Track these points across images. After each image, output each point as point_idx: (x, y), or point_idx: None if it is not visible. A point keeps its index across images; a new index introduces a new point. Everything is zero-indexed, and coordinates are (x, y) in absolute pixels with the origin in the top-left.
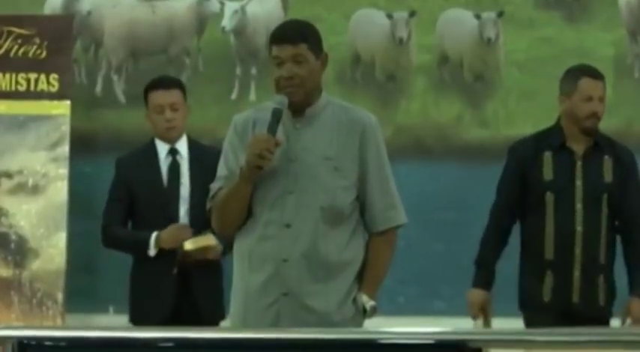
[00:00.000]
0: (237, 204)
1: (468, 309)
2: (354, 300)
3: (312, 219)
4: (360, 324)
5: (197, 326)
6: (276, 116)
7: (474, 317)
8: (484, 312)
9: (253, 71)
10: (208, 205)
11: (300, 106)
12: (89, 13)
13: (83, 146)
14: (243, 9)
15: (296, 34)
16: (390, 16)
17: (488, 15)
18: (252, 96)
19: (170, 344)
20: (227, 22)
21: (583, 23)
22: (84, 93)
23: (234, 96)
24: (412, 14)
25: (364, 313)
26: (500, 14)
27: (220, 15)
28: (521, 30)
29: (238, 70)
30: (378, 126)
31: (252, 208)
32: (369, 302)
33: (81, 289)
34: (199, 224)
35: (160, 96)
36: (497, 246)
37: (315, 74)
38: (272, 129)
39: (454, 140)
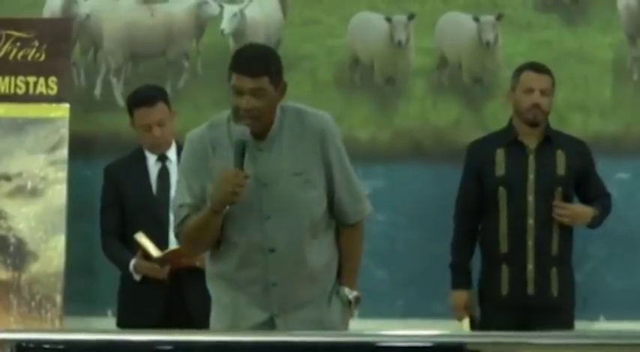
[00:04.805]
0: (209, 234)
1: (452, 312)
2: (337, 294)
3: (295, 239)
4: (347, 317)
5: (195, 330)
6: (241, 148)
7: (460, 319)
8: (468, 311)
9: None
10: (176, 230)
11: (260, 132)
12: (88, 16)
13: (82, 149)
14: (242, 12)
15: (258, 68)
16: (388, 19)
17: (487, 18)
18: None
19: (168, 347)
20: (226, 25)
21: (582, 26)
22: (83, 96)
23: None
24: (411, 17)
25: (349, 305)
26: (499, 17)
27: (219, 18)
28: (519, 33)
29: None
30: (334, 124)
31: (225, 233)
32: (352, 294)
33: (79, 292)
34: None
35: (145, 116)
36: (467, 246)
37: (273, 105)
38: (239, 162)
39: (453, 143)
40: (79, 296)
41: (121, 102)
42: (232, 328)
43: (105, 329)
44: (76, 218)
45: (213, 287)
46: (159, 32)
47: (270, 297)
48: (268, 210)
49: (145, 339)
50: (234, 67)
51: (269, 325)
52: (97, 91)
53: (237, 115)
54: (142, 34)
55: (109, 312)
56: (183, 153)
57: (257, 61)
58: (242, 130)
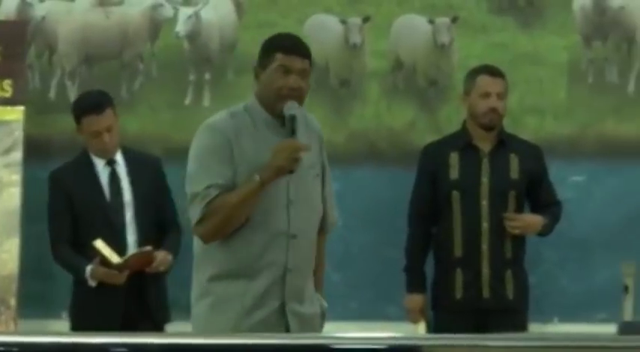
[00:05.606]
0: (247, 211)
1: (408, 315)
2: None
3: (312, 229)
4: (322, 325)
5: (152, 332)
6: (293, 121)
7: (415, 322)
8: (424, 315)
9: (207, 77)
10: (202, 212)
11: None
12: (43, 18)
13: (36, 151)
14: (197, 14)
15: (305, 50)
16: (343, 22)
17: (442, 20)
18: (206, 102)
19: (124, 350)
20: (181, 28)
21: (537, 28)
22: (37, 98)
23: (187, 101)
24: (366, 20)
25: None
26: (454, 20)
27: (174, 20)
28: (474, 35)
29: (192, 76)
30: None
31: (249, 217)
32: (323, 301)
33: (34, 295)
34: (145, 228)
35: (94, 123)
36: (422, 250)
37: (308, 89)
38: (294, 134)
39: (408, 146)
40: (33, 299)
41: None
42: (188, 331)
43: (60, 331)
44: (30, 221)
45: (212, 287)
46: (114, 34)
47: (284, 284)
48: (292, 197)
49: (100, 342)
50: (282, 47)
51: (280, 313)
52: (52, 94)
53: (281, 94)
54: (97, 37)
55: (64, 315)
56: (207, 140)
57: (303, 43)
58: (292, 105)
